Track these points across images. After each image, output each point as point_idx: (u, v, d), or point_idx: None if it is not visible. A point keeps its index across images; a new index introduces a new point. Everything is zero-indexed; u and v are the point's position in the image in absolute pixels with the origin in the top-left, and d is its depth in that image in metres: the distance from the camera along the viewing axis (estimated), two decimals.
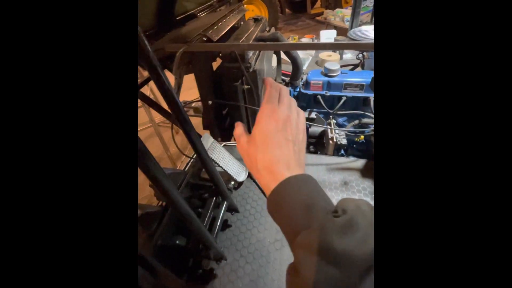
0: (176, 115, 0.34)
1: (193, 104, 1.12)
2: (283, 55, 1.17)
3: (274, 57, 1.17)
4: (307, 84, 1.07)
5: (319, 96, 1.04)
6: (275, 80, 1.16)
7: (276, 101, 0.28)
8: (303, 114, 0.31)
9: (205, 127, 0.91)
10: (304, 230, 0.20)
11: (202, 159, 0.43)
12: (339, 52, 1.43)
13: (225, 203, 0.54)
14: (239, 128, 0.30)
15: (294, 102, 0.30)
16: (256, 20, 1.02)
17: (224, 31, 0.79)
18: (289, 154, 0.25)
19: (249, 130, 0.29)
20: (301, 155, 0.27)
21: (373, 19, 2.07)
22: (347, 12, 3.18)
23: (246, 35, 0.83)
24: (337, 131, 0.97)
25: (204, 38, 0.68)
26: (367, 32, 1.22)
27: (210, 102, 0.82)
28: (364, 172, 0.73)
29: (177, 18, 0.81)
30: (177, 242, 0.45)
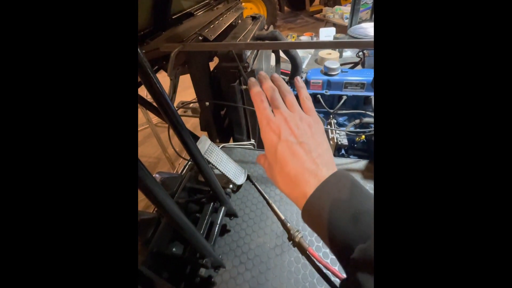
0: (170, 119, 0.32)
1: (191, 105, 1.10)
2: (282, 54, 1.15)
3: (273, 55, 1.15)
4: (306, 84, 1.05)
5: (319, 96, 1.02)
6: None
7: (267, 109, 0.25)
8: (311, 104, 0.27)
9: (203, 128, 0.89)
10: (357, 244, 0.18)
11: (198, 164, 0.42)
12: (339, 50, 1.42)
13: (223, 208, 0.52)
14: (259, 158, 0.28)
15: (292, 98, 0.27)
16: (254, 18, 1.00)
17: (221, 30, 0.77)
18: (306, 159, 0.22)
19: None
20: (321, 150, 0.24)
21: (372, 16, 2.05)
22: (346, 9, 3.16)
23: (243, 34, 0.81)
24: (337, 131, 0.96)
25: (200, 38, 0.66)
26: (367, 29, 1.21)
27: (207, 103, 0.80)
28: (365, 174, 0.71)
29: (173, 17, 0.79)
30: (174, 250, 0.43)
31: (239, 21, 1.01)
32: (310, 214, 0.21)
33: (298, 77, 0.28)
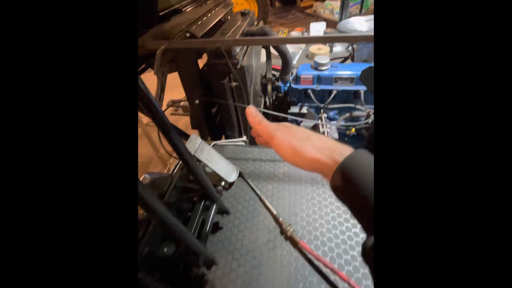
0: (155, 120, 0.32)
1: (181, 103, 1.09)
2: (272, 50, 1.14)
3: (264, 52, 1.15)
4: (297, 79, 1.05)
5: (309, 91, 1.03)
6: (265, 74, 1.14)
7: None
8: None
9: (194, 126, 0.88)
10: None
11: (188, 164, 0.41)
12: (329, 45, 1.42)
13: (214, 205, 0.52)
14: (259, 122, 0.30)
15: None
16: (244, 14, 0.99)
17: (209, 26, 0.76)
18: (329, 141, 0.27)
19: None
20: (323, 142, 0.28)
21: (361, 11, 2.06)
22: (336, 4, 3.16)
23: (232, 30, 0.80)
24: (328, 125, 0.97)
25: (188, 34, 0.65)
26: (356, 24, 1.21)
27: (197, 101, 0.79)
28: None
29: (160, 14, 0.77)
30: (165, 250, 0.43)
31: (229, 17, 1.00)
32: (344, 176, 0.23)
33: (250, 107, 0.31)
